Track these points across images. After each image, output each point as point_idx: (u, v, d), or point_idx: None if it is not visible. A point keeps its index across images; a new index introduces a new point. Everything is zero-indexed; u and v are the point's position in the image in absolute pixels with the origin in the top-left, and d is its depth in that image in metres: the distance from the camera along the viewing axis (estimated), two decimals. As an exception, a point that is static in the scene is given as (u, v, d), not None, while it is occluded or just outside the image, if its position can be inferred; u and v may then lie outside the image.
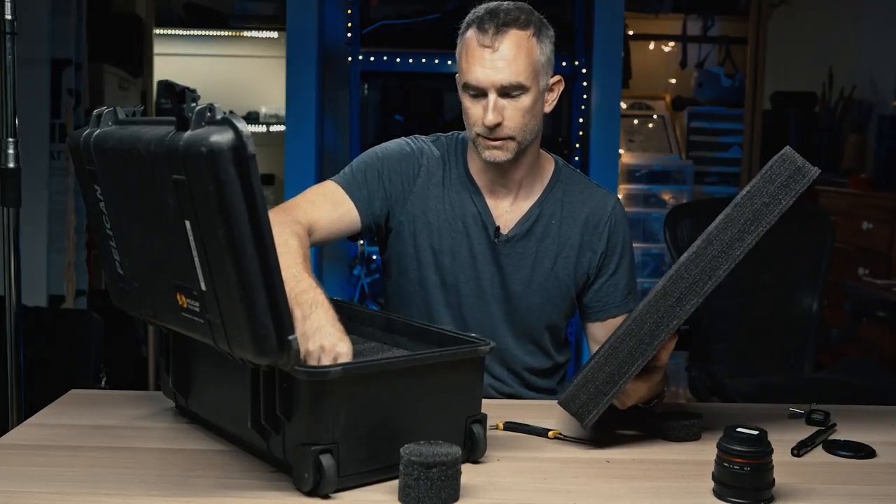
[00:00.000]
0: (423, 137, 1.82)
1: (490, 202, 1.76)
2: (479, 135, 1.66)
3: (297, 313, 1.28)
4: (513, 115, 1.63)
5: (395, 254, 1.79)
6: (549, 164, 1.81)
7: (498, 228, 1.75)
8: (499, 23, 1.61)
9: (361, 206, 1.72)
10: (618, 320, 1.74)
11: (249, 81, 4.95)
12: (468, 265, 1.76)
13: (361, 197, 1.72)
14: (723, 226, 1.36)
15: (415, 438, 1.21)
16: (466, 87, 1.65)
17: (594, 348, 1.77)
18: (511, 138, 1.65)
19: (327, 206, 1.69)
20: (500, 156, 1.66)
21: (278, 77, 4.07)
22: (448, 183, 1.76)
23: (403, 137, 1.81)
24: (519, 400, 1.78)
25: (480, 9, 1.66)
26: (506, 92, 1.62)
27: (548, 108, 1.71)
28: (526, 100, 1.63)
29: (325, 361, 1.24)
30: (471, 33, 1.64)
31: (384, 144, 1.80)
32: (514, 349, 1.78)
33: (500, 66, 1.60)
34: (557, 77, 1.71)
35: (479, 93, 1.63)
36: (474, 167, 1.77)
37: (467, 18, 1.66)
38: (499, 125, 1.63)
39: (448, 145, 1.80)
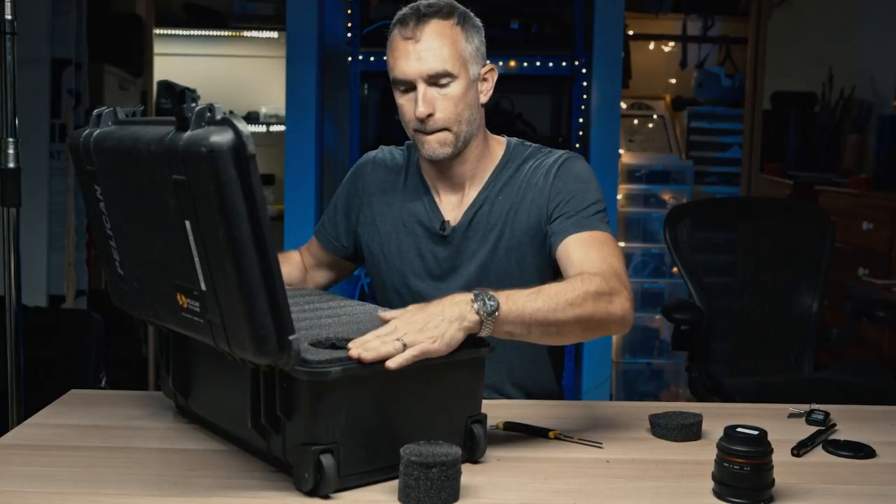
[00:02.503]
0: (392, 147, 1.87)
1: (439, 200, 1.77)
2: (415, 131, 1.67)
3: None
4: (444, 105, 1.63)
5: (367, 265, 1.87)
6: (499, 147, 1.78)
7: (446, 222, 1.74)
8: (420, 15, 1.62)
9: (331, 247, 1.89)
10: (567, 244, 1.61)
11: (249, 81, 4.95)
12: (417, 264, 1.76)
13: (329, 241, 1.89)
14: None
15: (415, 438, 1.21)
16: (396, 83, 1.66)
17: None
18: (446, 129, 1.65)
19: (314, 258, 1.93)
20: (438, 150, 1.67)
21: (278, 77, 4.07)
22: (403, 187, 1.80)
23: (368, 153, 1.89)
24: (518, 400, 1.78)
25: (400, 12, 1.67)
26: (434, 81, 1.62)
27: (484, 99, 1.70)
28: (455, 88, 1.63)
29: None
30: (394, 32, 1.66)
31: (351, 168, 1.91)
32: None
33: (425, 55, 1.61)
34: (490, 66, 1.70)
35: (409, 87, 1.64)
36: (424, 167, 1.78)
37: (392, 22, 1.68)
38: (430, 116, 1.63)
39: (411, 151, 1.82)
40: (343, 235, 1.87)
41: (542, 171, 1.72)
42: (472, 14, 1.68)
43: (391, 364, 1.21)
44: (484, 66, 1.69)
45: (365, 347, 1.21)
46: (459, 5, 1.68)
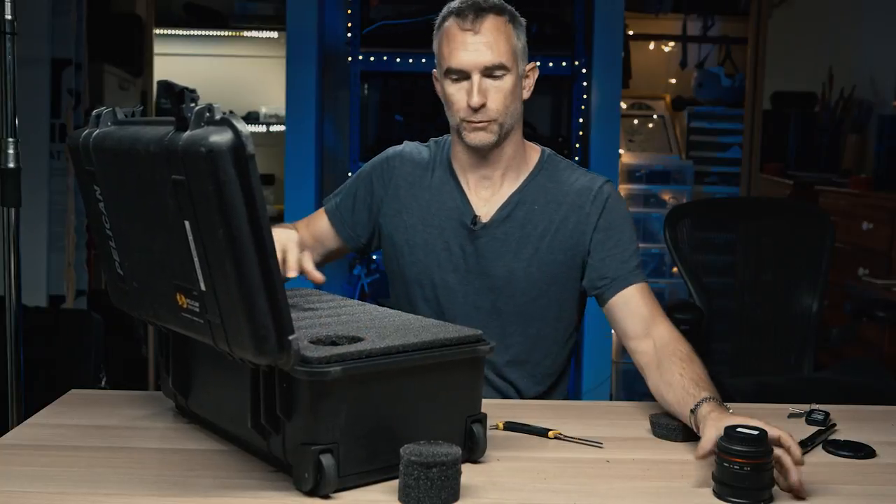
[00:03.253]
0: (417, 142, 1.89)
1: (471, 194, 1.79)
2: (463, 120, 1.71)
3: None
4: (495, 96, 1.68)
5: (385, 257, 1.87)
6: (534, 153, 1.83)
7: (477, 218, 1.77)
8: (477, 8, 1.68)
9: (346, 235, 1.86)
10: (630, 293, 1.69)
11: (249, 81, 4.95)
12: (444, 258, 1.78)
13: (344, 228, 1.86)
14: None
15: (415, 438, 1.21)
16: (449, 72, 1.70)
17: (617, 331, 1.72)
18: (494, 120, 1.70)
19: (314, 237, 1.88)
20: (484, 138, 1.71)
21: (278, 77, 4.07)
22: (431, 182, 1.81)
23: (391, 147, 1.90)
24: (518, 400, 1.78)
25: (454, 3, 1.73)
26: (489, 73, 1.67)
27: (526, 95, 1.76)
28: (507, 81, 1.69)
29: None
30: (450, 22, 1.71)
31: (373, 159, 1.90)
32: (497, 339, 1.76)
33: (483, 48, 1.66)
34: (533, 64, 1.77)
35: (463, 76, 1.69)
36: (458, 162, 1.80)
37: (442, 13, 1.74)
38: (483, 106, 1.68)
39: (438, 147, 1.86)
40: (360, 227, 1.86)
41: (588, 196, 1.76)
42: (517, 14, 1.74)
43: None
44: (527, 63, 1.75)
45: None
46: (508, 5, 1.73)
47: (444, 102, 1.75)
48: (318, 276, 1.51)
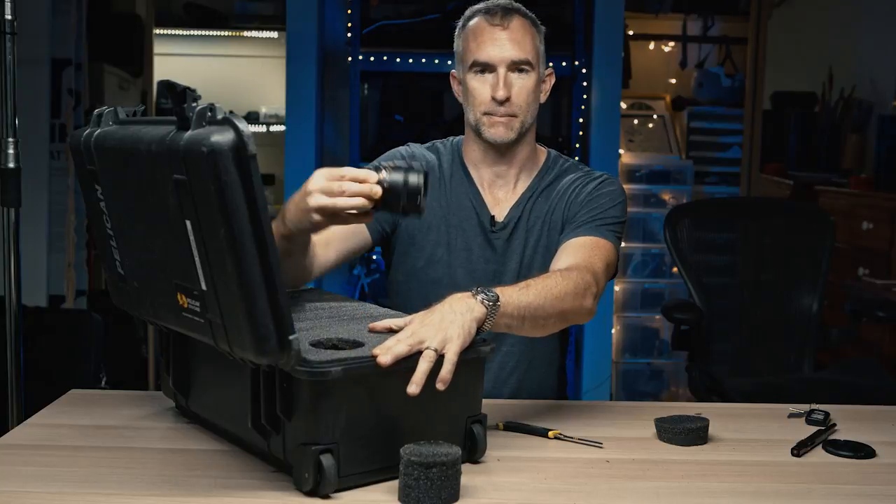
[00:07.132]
0: (417, 144, 1.88)
1: (486, 195, 1.80)
2: (485, 113, 1.73)
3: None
4: (519, 91, 1.71)
5: (398, 255, 1.83)
6: (542, 154, 1.85)
7: (493, 218, 1.79)
8: (505, 8, 1.73)
9: (372, 226, 1.75)
10: (577, 240, 1.68)
11: (249, 81, 4.95)
12: (463, 258, 1.79)
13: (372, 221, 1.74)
14: None
15: (415, 438, 1.21)
16: (475, 65, 1.72)
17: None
18: (515, 116, 1.72)
19: (333, 233, 1.71)
20: (503, 133, 1.73)
21: (278, 77, 4.07)
22: (444, 182, 1.81)
23: (398, 147, 1.87)
24: (518, 400, 1.78)
25: (479, 5, 1.76)
26: (515, 68, 1.71)
27: (542, 98, 1.79)
28: (531, 79, 1.72)
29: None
30: (477, 19, 1.74)
31: (380, 158, 1.84)
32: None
33: (511, 43, 1.70)
34: (550, 70, 1.80)
35: (488, 70, 1.71)
36: (472, 161, 1.81)
37: (466, 14, 1.77)
38: (507, 100, 1.70)
39: (443, 148, 1.86)
40: (384, 218, 1.78)
41: (582, 184, 1.78)
42: (538, 21, 1.78)
43: (440, 385, 1.24)
44: (546, 68, 1.79)
45: (382, 348, 1.22)
46: (529, 12, 1.77)
47: (463, 99, 1.77)
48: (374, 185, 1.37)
